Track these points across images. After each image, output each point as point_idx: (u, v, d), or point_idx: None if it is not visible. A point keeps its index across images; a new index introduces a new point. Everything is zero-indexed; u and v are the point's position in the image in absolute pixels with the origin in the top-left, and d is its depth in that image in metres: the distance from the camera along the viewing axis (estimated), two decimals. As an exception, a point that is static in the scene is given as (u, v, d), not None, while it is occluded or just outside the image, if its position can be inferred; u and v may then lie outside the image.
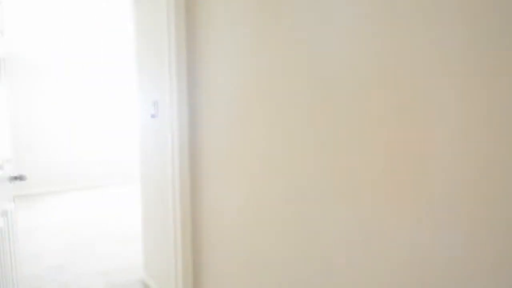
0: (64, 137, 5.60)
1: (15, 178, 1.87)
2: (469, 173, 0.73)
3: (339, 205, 1.02)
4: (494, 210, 0.69)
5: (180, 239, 1.83)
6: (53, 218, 3.91)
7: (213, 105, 1.59)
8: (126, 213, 4.07)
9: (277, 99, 1.21)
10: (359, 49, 0.92)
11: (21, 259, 2.75)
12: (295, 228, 1.17)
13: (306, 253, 1.14)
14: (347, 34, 0.96)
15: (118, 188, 5.82)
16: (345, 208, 1.00)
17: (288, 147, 1.18)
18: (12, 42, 4.45)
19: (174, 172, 1.85)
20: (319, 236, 1.09)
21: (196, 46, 1.70)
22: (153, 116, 2.30)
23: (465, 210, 0.74)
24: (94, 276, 2.43)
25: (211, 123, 1.61)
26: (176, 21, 1.70)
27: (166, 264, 2.08)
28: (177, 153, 1.80)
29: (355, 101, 0.95)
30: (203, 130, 1.71)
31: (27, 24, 3.75)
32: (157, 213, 2.22)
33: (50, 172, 5.42)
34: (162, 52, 1.94)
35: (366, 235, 0.94)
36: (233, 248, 1.52)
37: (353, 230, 0.98)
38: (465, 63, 0.73)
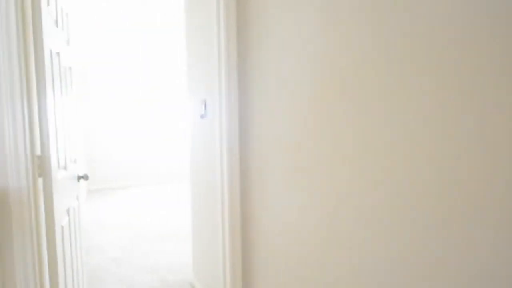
0: (128, 136, 6.06)
1: (80, 177, 1.97)
2: None
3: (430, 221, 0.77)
4: None
5: (228, 246, 1.73)
6: (117, 212, 4.21)
7: (269, 103, 1.43)
8: (183, 211, 4.20)
9: (365, 97, 0.96)
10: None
11: (88, 250, 2.97)
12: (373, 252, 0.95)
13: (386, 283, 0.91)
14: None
15: (181, 185, 6.11)
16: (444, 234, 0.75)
17: (374, 159, 0.94)
18: (79, 51, 4.90)
19: (223, 175, 1.75)
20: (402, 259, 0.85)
21: (248, 38, 1.56)
22: (202, 116, 2.24)
23: None
24: (147, 272, 2.50)
25: (266, 123, 1.46)
26: (226, 14, 1.58)
27: (214, 270, 2.01)
28: (226, 155, 1.69)
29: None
30: (254, 129, 1.57)
31: (89, 34, 4.07)
32: (205, 216, 2.16)
33: (116, 169, 5.92)
34: (211, 45, 1.85)
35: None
36: (286, 260, 1.35)
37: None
38: None
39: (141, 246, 3.04)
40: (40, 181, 1.35)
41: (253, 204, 1.61)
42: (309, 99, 1.20)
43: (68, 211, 1.69)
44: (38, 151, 1.34)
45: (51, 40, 1.44)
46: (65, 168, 1.65)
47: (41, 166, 1.36)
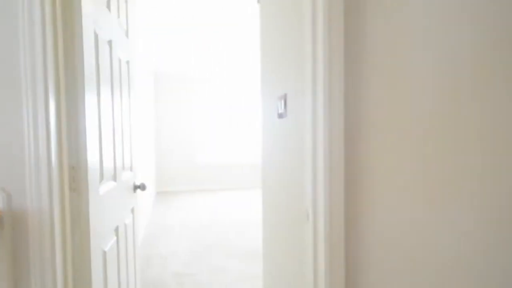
0: (201, 141, 6.12)
1: (137, 187, 1.72)
2: None
3: None
4: None
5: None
6: (187, 218, 4.12)
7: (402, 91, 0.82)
8: (254, 222, 3.84)
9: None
10: None
11: (148, 260, 2.83)
12: None
13: None
14: None
15: (254, 192, 5.86)
16: None
17: None
18: (158, 62, 5.08)
19: (316, 192, 1.19)
20: None
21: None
22: (280, 115, 1.75)
23: None
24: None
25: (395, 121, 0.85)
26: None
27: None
28: (322, 165, 1.10)
29: None
30: (370, 129, 0.97)
31: (160, 35, 4.07)
32: (282, 244, 1.65)
33: (185, 173, 6.04)
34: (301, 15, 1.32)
35: None
36: None
37: None
38: None
39: (208, 262, 2.74)
40: (73, 196, 1.06)
41: (364, 239, 0.99)
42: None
43: (117, 229, 1.41)
44: (71, 161, 1.05)
45: (98, 23, 1.16)
46: (114, 178, 1.38)
47: (75, 178, 1.07)
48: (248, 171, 6.32)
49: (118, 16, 1.50)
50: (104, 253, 1.25)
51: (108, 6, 1.34)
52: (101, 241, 1.21)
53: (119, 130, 1.48)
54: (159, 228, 3.66)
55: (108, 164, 1.30)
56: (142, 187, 1.65)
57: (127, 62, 1.68)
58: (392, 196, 0.84)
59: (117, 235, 1.41)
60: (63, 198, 1.00)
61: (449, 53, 0.67)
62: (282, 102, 1.66)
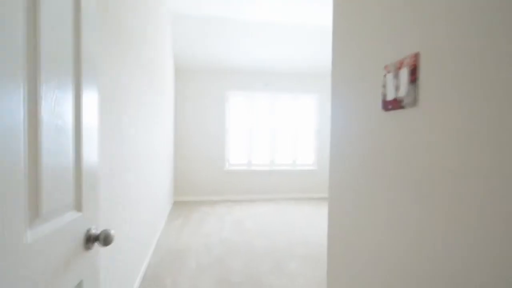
0: (231, 144, 5.30)
1: (94, 239, 0.82)
2: None
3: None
4: None
5: None
6: (206, 239, 3.27)
7: None
8: (306, 252, 2.90)
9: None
10: None
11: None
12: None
13: None
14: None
15: (300, 205, 4.93)
16: None
17: None
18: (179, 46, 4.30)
19: None
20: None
21: None
22: (395, 104, 0.81)
23: None
24: None
25: None
26: None
27: None
28: None
29: None
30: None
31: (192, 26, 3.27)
32: None
33: (211, 180, 5.21)
34: None
35: None
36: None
37: None
38: None
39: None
40: None
41: None
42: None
43: None
44: None
45: None
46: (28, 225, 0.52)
47: None
48: (291, 179, 5.40)
49: None
50: None
51: None
52: None
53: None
54: (170, 254, 2.82)
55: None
56: (104, 239, 0.76)
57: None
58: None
59: None
60: None
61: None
62: (405, 73, 0.75)
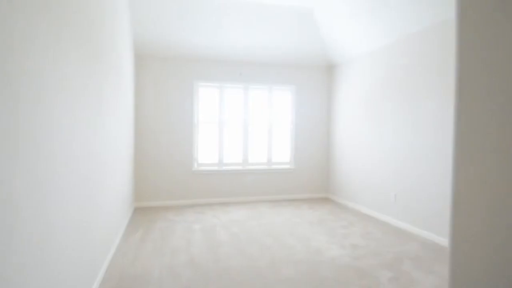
0: (201, 141, 4.68)
1: None
2: None
3: None
4: None
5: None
6: (171, 257, 2.67)
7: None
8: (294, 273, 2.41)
9: None
10: None
11: None
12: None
13: None
14: None
15: (280, 207, 4.41)
16: None
17: None
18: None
19: None
20: None
21: None
22: None
23: None
24: None
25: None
26: None
27: None
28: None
29: None
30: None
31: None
32: None
33: (178, 182, 4.55)
34: None
35: None
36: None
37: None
38: None
39: None
40: None
41: None
42: None
43: None
44: None
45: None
46: None
47: None
48: (266, 180, 4.91)
49: None
50: None
51: None
52: None
53: None
54: (124, 283, 2.19)
55: None
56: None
57: None
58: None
59: None
60: None
61: None
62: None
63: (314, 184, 5.21)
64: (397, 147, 3.65)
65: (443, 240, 3.00)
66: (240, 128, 4.85)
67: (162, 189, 4.45)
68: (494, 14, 0.98)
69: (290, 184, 5.07)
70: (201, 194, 4.64)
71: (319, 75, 5.18)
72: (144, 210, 4.18)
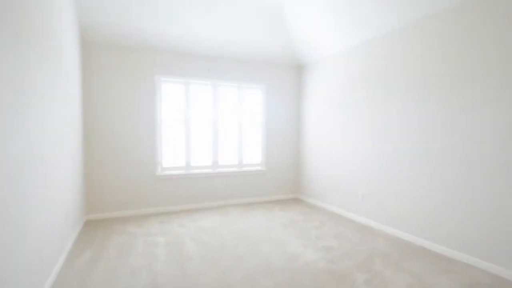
0: (165, 143, 4.30)
1: None
2: None
3: None
4: None
5: None
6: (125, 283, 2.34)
7: None
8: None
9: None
10: None
11: None
12: None
13: None
14: None
15: (249, 211, 4.17)
16: None
17: None
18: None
19: None
20: None
21: None
22: None
23: None
24: None
25: None
26: None
27: None
28: None
29: None
30: None
31: None
32: None
33: (138, 189, 4.15)
34: None
35: None
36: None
37: None
38: None
39: None
40: None
41: None
42: None
43: None
44: None
45: None
46: None
47: None
48: (238, 183, 4.67)
49: None
50: None
51: None
52: None
53: None
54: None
55: None
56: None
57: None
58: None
59: None
60: None
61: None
62: None
63: (285, 185, 5.12)
64: (365, 146, 3.68)
65: (407, 235, 3.06)
66: (209, 128, 4.58)
67: (120, 198, 4.02)
68: None
69: (261, 186, 4.92)
70: (166, 201, 4.28)
71: (289, 74, 5.10)
72: (98, 223, 3.72)
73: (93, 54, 3.86)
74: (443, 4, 2.71)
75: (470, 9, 2.51)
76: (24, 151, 1.71)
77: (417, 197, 3.00)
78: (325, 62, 4.45)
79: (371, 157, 3.60)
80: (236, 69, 4.69)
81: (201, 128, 4.53)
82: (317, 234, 3.26)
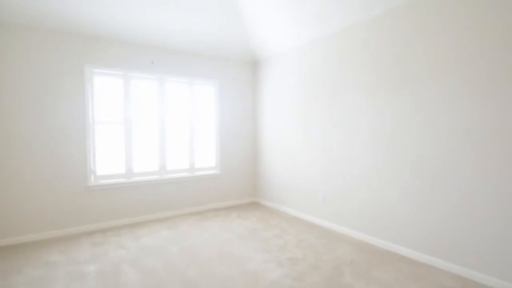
0: (99, 146, 3.58)
1: None
2: None
3: None
4: None
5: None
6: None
7: None
8: None
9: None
10: None
11: None
12: None
13: None
14: None
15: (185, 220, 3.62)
16: None
17: None
18: None
19: None
20: None
21: None
22: None
23: None
24: None
25: None
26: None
27: None
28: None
29: None
30: None
31: None
32: None
33: (64, 204, 3.39)
34: None
35: None
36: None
37: None
38: None
39: None
40: None
41: None
42: None
43: None
44: None
45: None
46: None
47: None
48: (189, 189, 4.13)
49: None
50: None
51: None
52: None
53: None
54: None
55: None
56: None
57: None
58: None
59: None
60: None
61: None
62: None
63: (242, 189, 4.77)
64: (325, 146, 3.51)
65: (370, 238, 2.95)
66: (155, 129, 3.99)
67: (39, 216, 3.23)
68: None
69: (216, 191, 4.49)
70: (102, 216, 3.59)
71: (244, 70, 4.75)
72: (7, 250, 2.92)
73: (3, 35, 3.01)
74: (394, 2, 2.62)
75: (419, 5, 2.45)
76: None
77: (377, 198, 2.90)
78: (281, 59, 4.21)
79: (331, 157, 3.44)
80: (187, 63, 4.19)
81: (146, 129, 3.92)
82: (279, 244, 2.97)
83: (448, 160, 2.35)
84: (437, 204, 2.43)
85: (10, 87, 3.07)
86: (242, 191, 4.77)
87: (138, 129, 3.86)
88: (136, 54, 3.78)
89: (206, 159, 4.44)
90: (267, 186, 4.59)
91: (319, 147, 3.61)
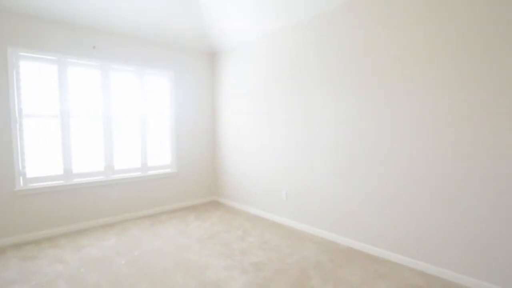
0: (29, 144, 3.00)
1: None
2: None
3: None
4: None
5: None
6: None
7: None
8: None
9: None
10: None
11: None
12: None
13: None
14: None
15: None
16: None
17: None
18: None
19: None
20: None
21: None
22: None
23: None
24: None
25: None
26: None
27: None
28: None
29: None
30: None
31: None
32: None
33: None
34: None
35: None
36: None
37: None
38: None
39: None
40: None
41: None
42: None
43: None
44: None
45: None
46: None
47: None
48: (141, 190, 3.71)
49: None
50: None
51: None
52: None
53: None
54: None
55: None
56: None
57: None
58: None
59: None
60: None
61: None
62: None
63: (200, 188, 4.50)
64: (287, 142, 3.41)
65: (333, 236, 2.95)
66: (99, 124, 3.51)
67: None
68: None
69: (172, 191, 4.16)
70: (34, 224, 3.07)
71: (203, 61, 4.44)
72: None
73: None
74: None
75: None
76: None
77: (340, 195, 2.89)
78: (241, 50, 4.00)
79: (293, 153, 3.35)
80: (136, 50, 3.75)
81: (88, 124, 3.43)
82: (242, 247, 2.80)
83: (410, 154, 2.39)
84: (401, 201, 2.47)
85: None
86: (200, 190, 4.50)
87: (78, 123, 3.35)
88: (74, 37, 3.26)
89: (160, 157, 4.07)
90: (228, 184, 4.39)
91: (282, 143, 3.50)
